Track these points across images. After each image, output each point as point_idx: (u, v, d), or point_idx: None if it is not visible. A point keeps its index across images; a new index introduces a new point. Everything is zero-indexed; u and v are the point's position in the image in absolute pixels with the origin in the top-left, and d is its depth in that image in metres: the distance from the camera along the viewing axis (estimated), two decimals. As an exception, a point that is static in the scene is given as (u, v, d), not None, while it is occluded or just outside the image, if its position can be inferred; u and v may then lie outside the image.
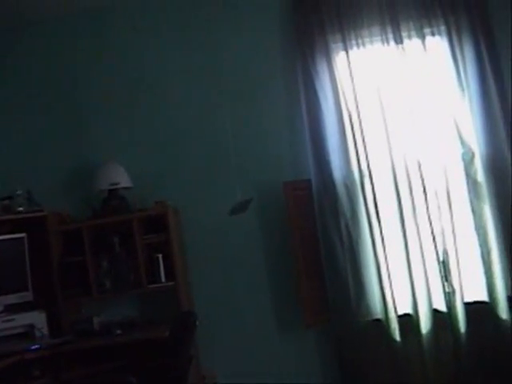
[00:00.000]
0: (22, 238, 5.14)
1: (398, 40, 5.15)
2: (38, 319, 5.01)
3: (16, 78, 5.69)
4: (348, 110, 5.17)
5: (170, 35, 5.56)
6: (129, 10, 5.59)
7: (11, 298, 5.03)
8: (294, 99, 5.29)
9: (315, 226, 5.17)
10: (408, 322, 5.06)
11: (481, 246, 5.03)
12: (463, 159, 5.09)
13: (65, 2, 5.42)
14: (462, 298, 5.01)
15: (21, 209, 5.16)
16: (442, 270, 5.04)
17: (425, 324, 5.03)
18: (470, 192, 5.07)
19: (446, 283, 5.04)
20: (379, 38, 5.20)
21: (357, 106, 5.17)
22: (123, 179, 5.32)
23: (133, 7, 5.59)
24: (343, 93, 5.19)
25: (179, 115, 5.52)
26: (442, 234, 5.04)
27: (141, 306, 5.45)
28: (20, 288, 5.10)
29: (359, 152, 5.15)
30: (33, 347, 4.68)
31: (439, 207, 5.06)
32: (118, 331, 5.05)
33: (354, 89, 5.18)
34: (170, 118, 5.52)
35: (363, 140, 5.15)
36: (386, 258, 5.07)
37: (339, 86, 5.20)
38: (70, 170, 5.60)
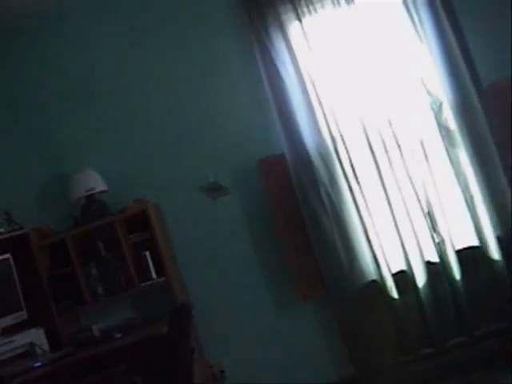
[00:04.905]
0: (7, 258, 5.09)
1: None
2: (36, 336, 4.98)
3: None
4: (310, 78, 5.12)
5: (125, 40, 5.48)
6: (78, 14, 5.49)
7: (7, 320, 5.00)
8: (255, 77, 5.22)
9: (296, 199, 5.13)
10: (403, 278, 5.06)
11: (463, 191, 5.02)
12: (432, 108, 5.07)
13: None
14: (453, 246, 5.01)
15: (1, 230, 5.11)
16: (429, 221, 5.03)
17: (420, 277, 5.02)
18: (444, 140, 5.05)
19: (434, 234, 5.04)
20: (329, 0, 5.13)
21: (318, 73, 5.12)
22: (98, 183, 5.27)
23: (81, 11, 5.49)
24: (303, 62, 5.14)
25: (142, 112, 5.46)
26: (423, 185, 5.03)
27: (136, 306, 5.41)
28: (14, 309, 5.06)
29: (328, 119, 5.11)
30: (35, 365, 4.65)
31: (416, 160, 5.03)
32: (118, 335, 5.04)
33: (312, 56, 5.12)
34: (134, 117, 5.46)
35: (330, 106, 5.10)
36: (371, 219, 5.06)
37: (297, 56, 5.15)
38: (44, 184, 5.55)
